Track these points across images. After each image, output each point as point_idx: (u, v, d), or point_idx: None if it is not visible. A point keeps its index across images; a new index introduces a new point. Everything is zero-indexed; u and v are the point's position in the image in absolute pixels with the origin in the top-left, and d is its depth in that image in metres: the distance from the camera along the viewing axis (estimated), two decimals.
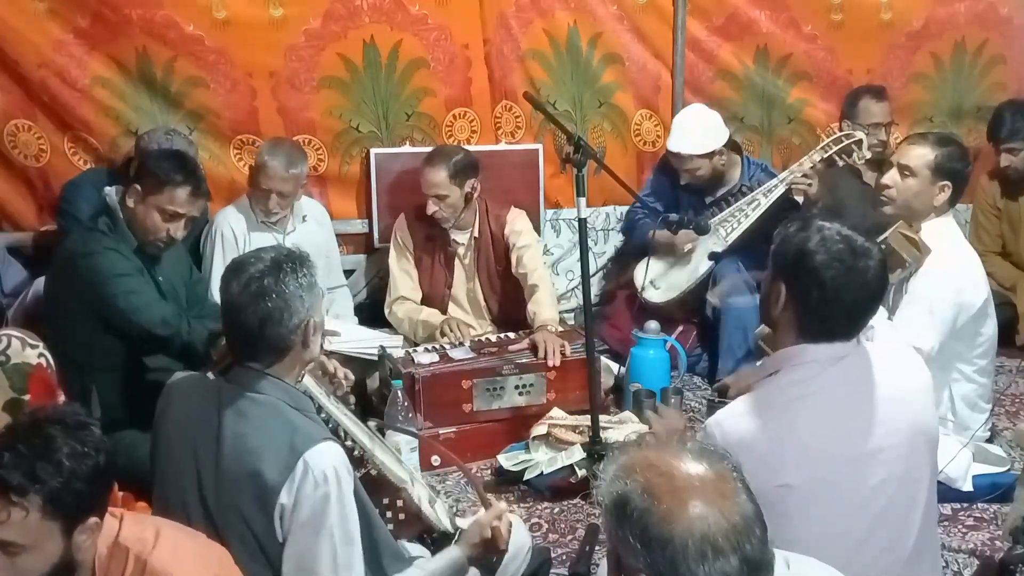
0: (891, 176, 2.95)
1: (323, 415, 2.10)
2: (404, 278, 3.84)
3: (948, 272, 2.78)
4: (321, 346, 2.07)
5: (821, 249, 1.82)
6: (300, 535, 1.83)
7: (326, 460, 1.82)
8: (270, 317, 1.86)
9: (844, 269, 1.81)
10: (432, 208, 3.64)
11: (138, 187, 2.87)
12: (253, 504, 1.83)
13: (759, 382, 1.95)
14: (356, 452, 2.19)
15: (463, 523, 2.28)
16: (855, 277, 1.82)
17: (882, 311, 2.76)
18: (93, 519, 1.55)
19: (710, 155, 3.89)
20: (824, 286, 1.81)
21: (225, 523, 1.87)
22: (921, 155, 2.90)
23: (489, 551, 2.11)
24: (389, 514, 2.25)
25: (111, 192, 2.95)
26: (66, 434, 1.53)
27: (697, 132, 3.88)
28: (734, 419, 1.86)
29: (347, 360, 3.37)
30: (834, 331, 1.85)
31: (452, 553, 2.08)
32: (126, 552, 1.59)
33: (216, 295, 3.43)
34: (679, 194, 4.07)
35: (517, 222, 3.82)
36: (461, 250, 3.83)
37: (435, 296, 3.86)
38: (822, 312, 1.84)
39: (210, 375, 2.00)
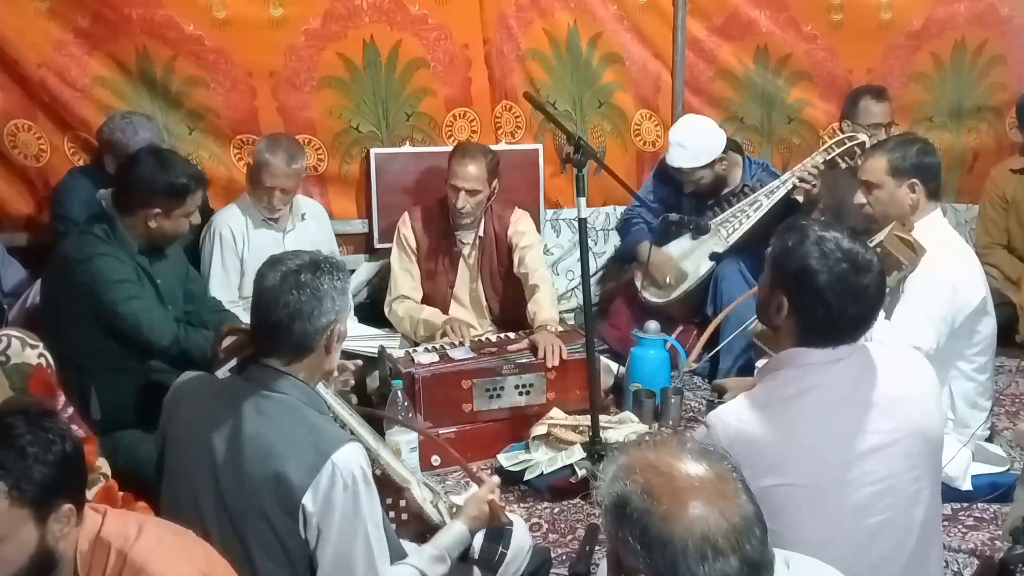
0: (859, 195, 2.97)
1: (331, 414, 2.10)
2: (405, 276, 3.83)
3: (944, 270, 2.77)
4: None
5: (824, 268, 1.83)
6: (335, 537, 1.84)
7: (353, 461, 1.84)
8: (300, 312, 1.87)
9: (847, 287, 1.83)
10: (461, 202, 3.63)
11: (158, 210, 2.88)
12: (275, 505, 1.83)
13: (761, 379, 1.95)
14: None
15: (458, 500, 2.30)
16: (858, 293, 1.84)
17: (880, 314, 2.76)
18: (67, 506, 1.55)
19: (711, 164, 3.89)
20: (830, 306, 1.83)
21: (244, 524, 1.87)
22: (875, 166, 2.93)
23: (489, 523, 2.16)
24: (392, 514, 2.26)
25: (105, 196, 2.95)
26: (27, 422, 1.54)
27: (694, 145, 3.87)
28: (735, 413, 1.87)
29: (346, 357, 3.38)
30: (837, 340, 1.88)
31: (457, 527, 2.12)
32: (108, 547, 1.59)
33: (216, 295, 3.46)
34: (680, 196, 4.07)
35: (520, 223, 3.82)
36: (466, 250, 3.83)
37: (437, 295, 3.86)
38: (826, 326, 1.86)
39: (219, 374, 2.00)
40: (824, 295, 1.83)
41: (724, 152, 3.92)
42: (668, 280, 3.95)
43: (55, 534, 1.54)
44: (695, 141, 3.88)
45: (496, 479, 2.25)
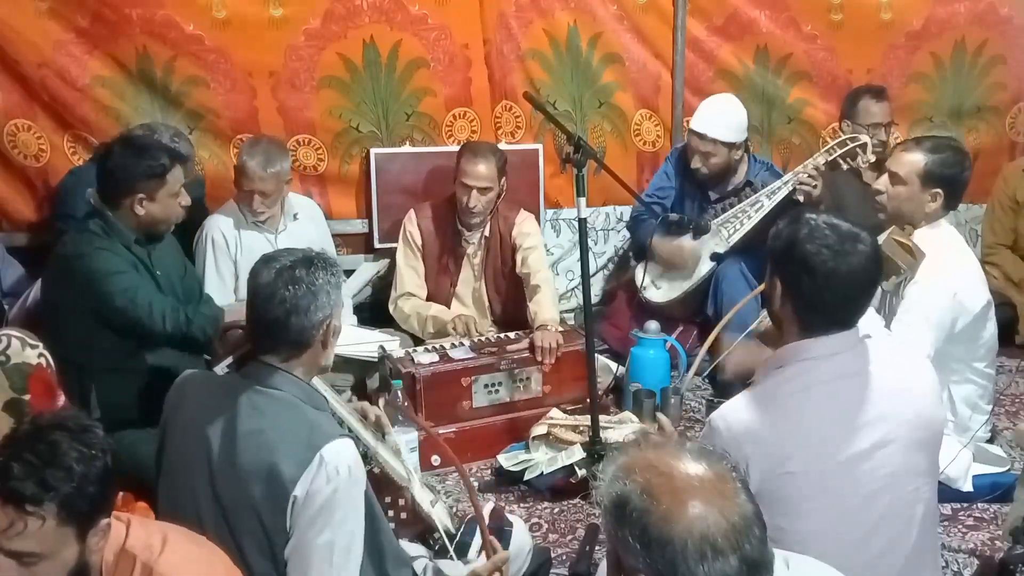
0: (883, 181, 2.96)
1: (329, 410, 2.11)
2: (411, 274, 3.84)
3: (946, 276, 2.76)
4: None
5: (809, 238, 1.86)
6: (304, 527, 1.84)
7: (342, 456, 1.84)
8: (297, 307, 1.88)
9: (832, 254, 1.84)
10: (473, 201, 3.64)
11: (142, 195, 2.85)
12: (267, 499, 1.83)
13: (763, 375, 1.96)
14: (360, 449, 2.19)
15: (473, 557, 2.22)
16: (844, 261, 1.85)
17: (879, 319, 2.76)
18: (105, 520, 1.55)
19: (730, 145, 3.89)
20: (814, 272, 1.84)
21: (237, 519, 1.87)
22: (911, 162, 2.90)
23: None
24: (391, 513, 2.26)
25: (91, 193, 2.95)
26: (71, 438, 1.53)
27: (724, 119, 3.87)
28: (738, 412, 1.88)
29: (346, 361, 3.38)
30: (830, 320, 1.88)
31: None
32: (133, 559, 1.59)
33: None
34: (685, 189, 4.07)
35: (525, 224, 3.83)
36: (471, 250, 3.84)
37: (439, 294, 3.86)
38: (815, 300, 1.86)
39: (218, 371, 2.00)
40: (808, 262, 1.84)
41: (741, 144, 3.92)
42: (688, 264, 3.93)
43: (91, 548, 1.54)
44: (725, 117, 3.88)
45: (506, 554, 2.12)
